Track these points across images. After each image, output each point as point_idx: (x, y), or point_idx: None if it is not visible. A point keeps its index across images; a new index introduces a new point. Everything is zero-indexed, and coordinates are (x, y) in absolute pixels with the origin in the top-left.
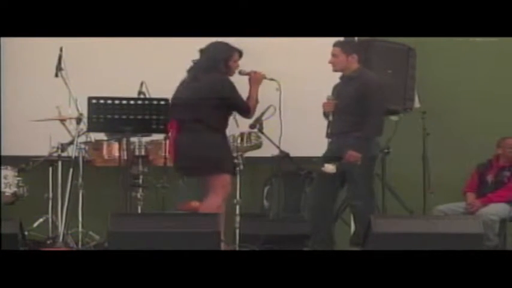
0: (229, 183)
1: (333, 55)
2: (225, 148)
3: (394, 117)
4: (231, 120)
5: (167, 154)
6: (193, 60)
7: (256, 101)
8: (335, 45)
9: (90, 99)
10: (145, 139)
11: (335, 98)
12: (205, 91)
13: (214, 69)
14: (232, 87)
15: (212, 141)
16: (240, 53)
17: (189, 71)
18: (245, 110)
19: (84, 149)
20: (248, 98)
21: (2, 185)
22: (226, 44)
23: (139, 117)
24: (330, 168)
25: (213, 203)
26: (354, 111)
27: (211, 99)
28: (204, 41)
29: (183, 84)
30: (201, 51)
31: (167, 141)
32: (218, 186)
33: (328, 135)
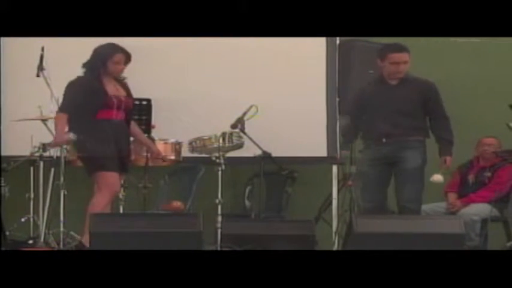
0: (116, 181)
1: (406, 62)
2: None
3: None
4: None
5: None
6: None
7: None
8: (405, 50)
9: None
10: None
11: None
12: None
13: (90, 69)
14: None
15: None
16: (127, 56)
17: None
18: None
19: (66, 149)
20: None
21: None
22: (111, 45)
23: None
24: (439, 178)
25: (96, 202)
26: (416, 114)
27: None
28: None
29: None
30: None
31: None
32: (102, 184)
33: (383, 139)
